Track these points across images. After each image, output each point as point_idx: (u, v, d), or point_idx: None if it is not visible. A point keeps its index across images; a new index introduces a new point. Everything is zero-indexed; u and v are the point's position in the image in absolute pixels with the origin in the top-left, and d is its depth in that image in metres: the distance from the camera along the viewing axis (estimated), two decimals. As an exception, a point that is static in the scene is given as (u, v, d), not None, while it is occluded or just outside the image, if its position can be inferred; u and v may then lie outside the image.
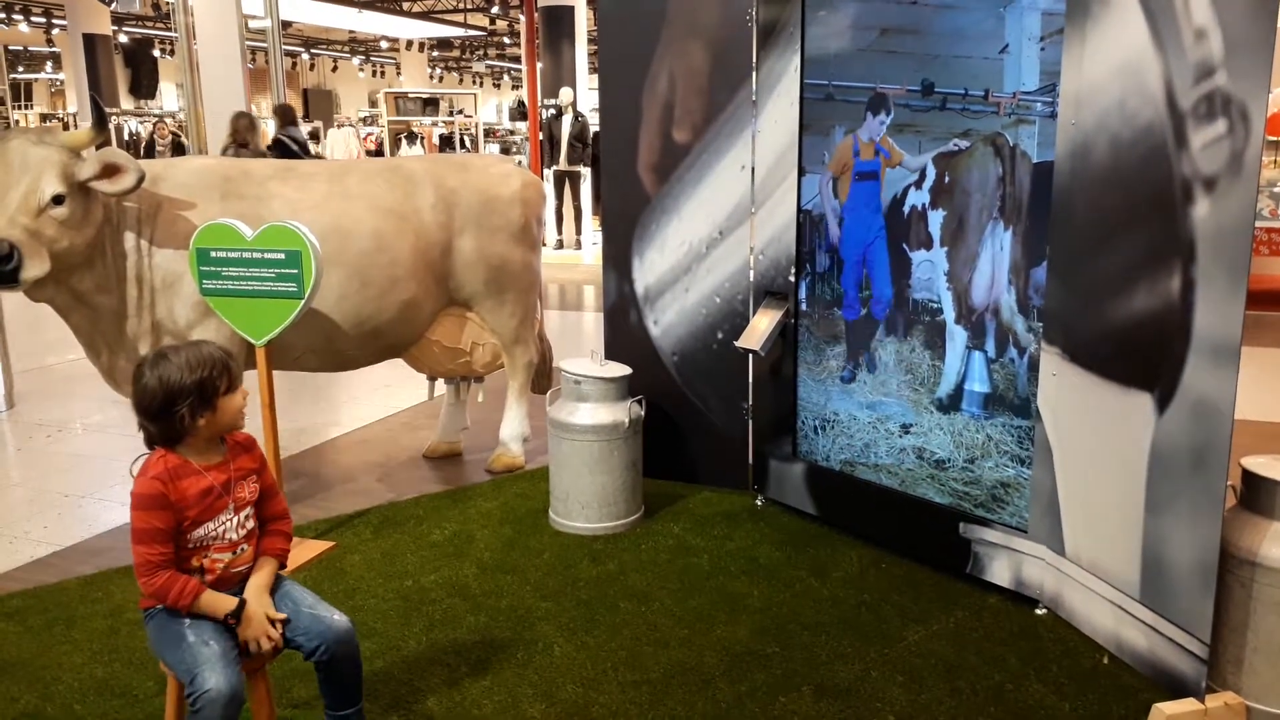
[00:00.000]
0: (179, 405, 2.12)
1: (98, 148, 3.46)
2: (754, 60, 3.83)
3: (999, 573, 3.30)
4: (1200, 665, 2.59)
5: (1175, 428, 2.62)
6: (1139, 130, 2.67)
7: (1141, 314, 2.72)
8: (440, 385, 4.81)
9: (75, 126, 18.17)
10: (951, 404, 3.42)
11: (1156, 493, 2.70)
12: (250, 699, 2.27)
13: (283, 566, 2.36)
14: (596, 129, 12.74)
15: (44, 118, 25.99)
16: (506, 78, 36.18)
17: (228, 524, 2.23)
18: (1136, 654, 2.83)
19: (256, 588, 2.24)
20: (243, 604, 2.18)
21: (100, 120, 3.47)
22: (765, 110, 3.84)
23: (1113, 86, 2.74)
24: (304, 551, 3.64)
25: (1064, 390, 3.02)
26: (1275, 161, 9.58)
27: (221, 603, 2.17)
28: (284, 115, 9.52)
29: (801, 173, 3.77)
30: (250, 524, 2.29)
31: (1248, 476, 2.66)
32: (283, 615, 2.23)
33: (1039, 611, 3.19)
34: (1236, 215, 2.41)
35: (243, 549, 2.27)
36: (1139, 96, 2.66)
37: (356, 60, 31.79)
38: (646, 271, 4.22)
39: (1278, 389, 5.97)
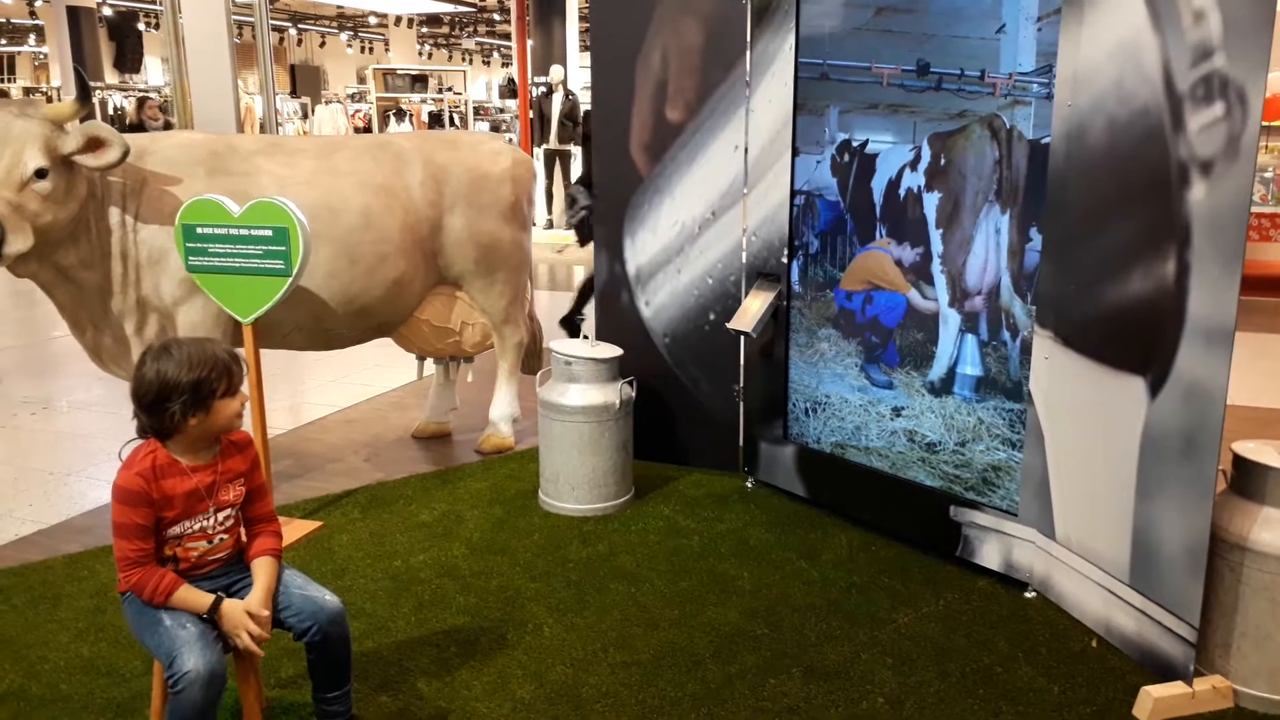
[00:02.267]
0: (171, 402, 2.09)
1: (82, 121, 3.40)
2: (748, 38, 3.80)
3: (989, 556, 3.31)
4: (1188, 649, 2.60)
5: (1167, 412, 2.62)
6: (1136, 112, 2.66)
7: (1135, 298, 2.71)
8: (429, 365, 4.78)
9: (59, 100, 17.93)
10: (943, 387, 3.41)
11: (1147, 477, 2.70)
12: (238, 678, 2.26)
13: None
14: (587, 107, 12.65)
15: (27, 91, 25.65)
16: (496, 55, 35.83)
17: (206, 523, 2.22)
18: (1125, 637, 2.84)
19: (264, 590, 2.21)
20: (218, 601, 2.15)
21: (84, 93, 3.41)
22: (759, 89, 3.80)
23: (1110, 67, 2.72)
24: (291, 531, 3.61)
25: (1056, 374, 3.01)
26: (1268, 147, 9.57)
27: (196, 599, 2.14)
28: None
29: (795, 153, 3.74)
30: (230, 521, 2.27)
31: (1238, 461, 2.66)
32: (266, 613, 2.19)
33: (1028, 595, 3.20)
34: (1232, 199, 2.40)
35: (221, 538, 2.25)
36: (1136, 78, 2.64)
37: (344, 36, 31.44)
38: (638, 252, 4.19)
39: (1269, 374, 5.99)
